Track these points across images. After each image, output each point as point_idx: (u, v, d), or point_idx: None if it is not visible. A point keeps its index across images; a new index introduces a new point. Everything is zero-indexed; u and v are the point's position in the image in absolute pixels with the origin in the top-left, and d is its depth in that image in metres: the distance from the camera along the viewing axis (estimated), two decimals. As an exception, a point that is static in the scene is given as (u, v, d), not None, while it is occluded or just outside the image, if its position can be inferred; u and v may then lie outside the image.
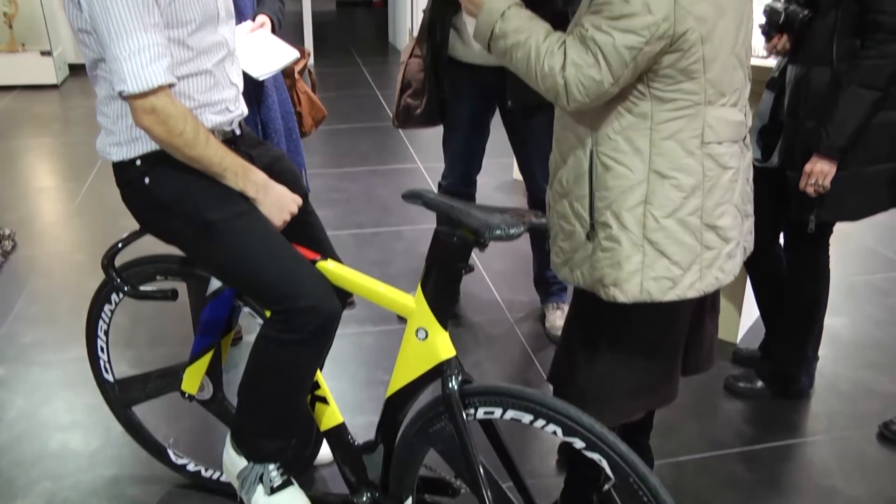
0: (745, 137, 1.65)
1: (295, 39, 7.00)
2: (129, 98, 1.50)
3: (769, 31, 2.22)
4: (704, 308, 1.78)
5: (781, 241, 2.46)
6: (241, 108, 1.79)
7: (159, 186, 1.64)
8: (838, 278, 3.23)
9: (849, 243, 3.72)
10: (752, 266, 2.50)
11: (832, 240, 2.38)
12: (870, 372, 2.71)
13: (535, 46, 1.53)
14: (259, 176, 1.67)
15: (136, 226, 1.78)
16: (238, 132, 1.79)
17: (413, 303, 1.59)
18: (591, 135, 1.59)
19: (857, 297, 3.25)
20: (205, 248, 1.66)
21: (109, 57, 1.48)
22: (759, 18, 2.28)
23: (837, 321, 3.03)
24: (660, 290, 1.58)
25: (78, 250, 3.59)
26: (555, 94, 1.53)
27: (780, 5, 2.16)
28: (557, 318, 2.90)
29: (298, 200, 1.73)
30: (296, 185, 1.84)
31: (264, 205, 1.66)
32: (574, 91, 1.50)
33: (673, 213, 1.55)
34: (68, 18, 1.56)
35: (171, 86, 1.53)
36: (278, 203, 1.68)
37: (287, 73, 2.54)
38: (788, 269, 2.41)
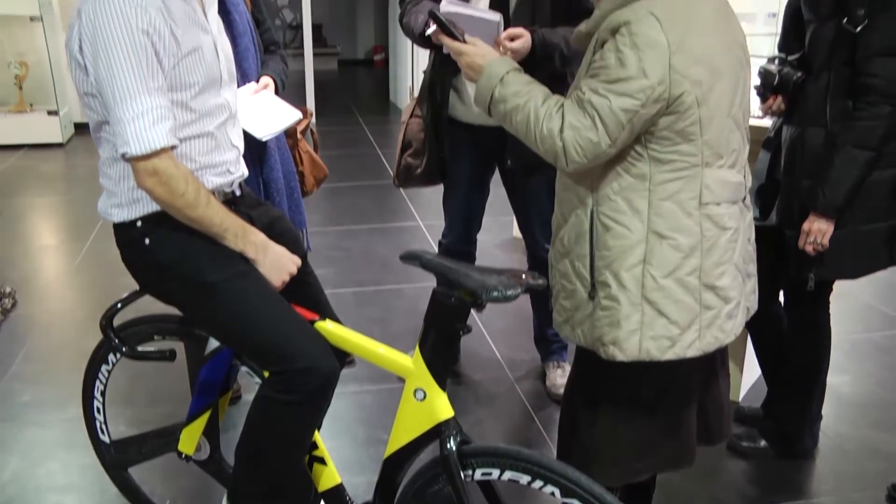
0: (744, 198, 1.66)
1: (297, 98, 7.13)
2: (131, 160, 1.52)
3: (764, 92, 2.26)
4: (715, 367, 1.78)
5: (781, 299, 2.46)
6: (242, 170, 1.81)
7: (159, 247, 1.65)
8: (839, 336, 3.22)
9: (849, 300, 3.71)
10: (753, 324, 2.48)
11: (832, 297, 2.38)
12: (875, 431, 2.68)
13: (534, 110, 1.56)
14: (258, 237, 1.68)
15: (135, 285, 1.78)
16: (238, 193, 1.81)
17: (411, 363, 1.58)
18: (591, 195, 1.61)
19: (859, 354, 3.23)
20: (204, 309, 1.66)
21: (114, 119, 1.51)
22: (755, 80, 2.32)
23: (840, 379, 3.01)
24: (658, 349, 1.58)
25: (78, 308, 3.59)
26: (553, 155, 1.55)
27: (774, 67, 2.20)
28: (558, 377, 2.88)
29: (297, 261, 1.74)
30: (295, 245, 1.85)
31: (263, 265, 1.67)
32: (572, 152, 1.52)
33: (671, 274, 1.56)
34: (74, 82, 1.60)
35: (173, 148, 1.55)
36: (277, 264, 1.69)
37: (290, 132, 2.58)
38: (789, 327, 2.41)
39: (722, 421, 1.83)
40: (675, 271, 1.56)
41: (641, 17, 1.46)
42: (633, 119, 1.48)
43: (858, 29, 1.94)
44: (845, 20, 1.97)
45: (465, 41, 1.73)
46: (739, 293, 1.66)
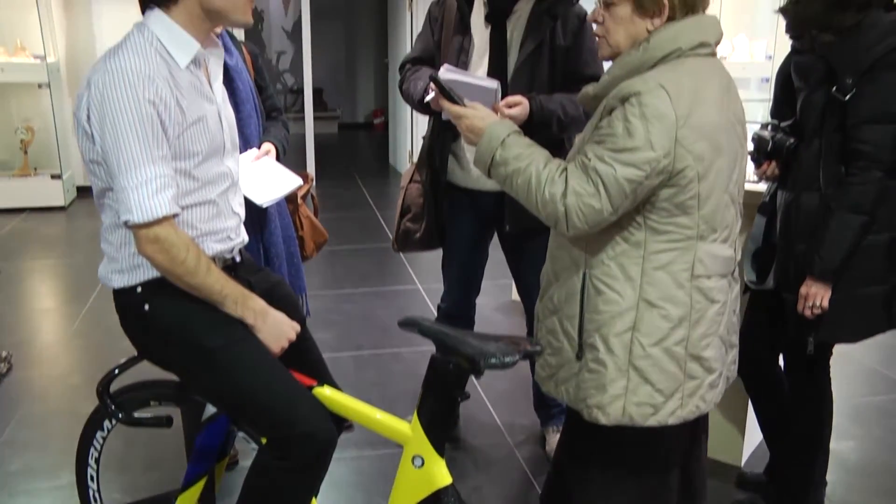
0: (733, 271, 1.68)
1: (298, 160, 7.22)
2: (133, 227, 1.54)
3: (758, 157, 2.29)
4: (697, 432, 1.78)
5: (781, 362, 2.45)
6: (243, 237, 1.83)
7: (159, 313, 1.66)
8: (842, 400, 3.19)
9: (851, 364, 3.69)
10: (754, 388, 2.48)
11: (833, 360, 2.37)
12: (881, 498, 2.63)
13: (536, 174, 1.58)
14: (258, 303, 1.68)
15: (133, 351, 1.78)
16: (238, 259, 1.82)
17: (409, 430, 1.57)
18: (586, 258, 1.62)
19: (863, 419, 3.20)
20: (202, 375, 1.66)
21: (118, 187, 1.53)
22: (748, 145, 2.36)
23: (844, 445, 2.97)
24: (641, 415, 1.59)
25: (74, 373, 3.56)
26: (555, 220, 1.57)
27: (767, 133, 2.24)
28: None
29: (297, 327, 1.74)
30: (294, 311, 1.85)
31: (262, 332, 1.67)
32: (574, 218, 1.53)
33: (659, 342, 1.57)
34: (81, 150, 1.62)
35: (175, 216, 1.57)
36: (276, 330, 1.69)
37: (290, 198, 2.61)
38: (790, 390, 2.39)
39: (704, 484, 1.83)
40: (663, 340, 1.57)
41: (652, 89, 1.49)
42: (637, 189, 1.50)
43: (847, 97, 1.99)
44: (834, 88, 2.01)
45: (464, 105, 1.75)
46: (722, 364, 1.69)
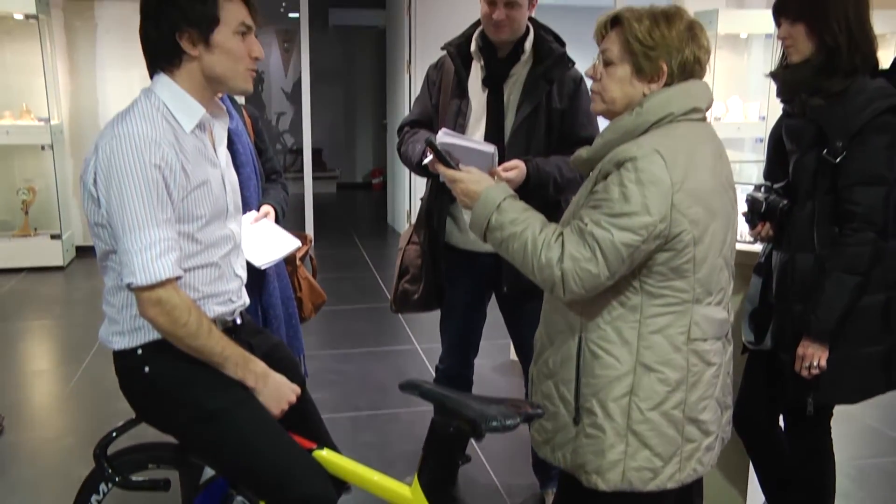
0: (727, 333, 1.69)
1: (297, 220, 7.26)
2: (136, 290, 1.55)
3: (752, 218, 2.31)
4: (691, 495, 1.77)
5: (782, 422, 2.43)
6: (244, 299, 1.84)
7: (159, 375, 1.66)
8: (845, 461, 3.16)
9: (853, 424, 3.66)
10: (754, 449, 2.45)
11: (834, 420, 2.36)
12: (887, 562, 2.59)
13: (532, 238, 1.58)
14: (259, 366, 1.69)
15: (129, 411, 1.77)
16: (239, 321, 1.82)
17: (409, 493, 1.56)
18: (581, 322, 1.62)
19: (867, 481, 3.16)
20: (201, 437, 1.65)
21: (122, 250, 1.55)
22: (743, 207, 2.39)
23: (848, 507, 2.93)
24: (641, 480, 1.58)
25: (68, 435, 3.52)
26: (551, 284, 1.57)
27: (761, 195, 2.27)
28: (559, 505, 2.80)
29: (297, 390, 1.74)
30: (294, 373, 1.86)
31: (263, 394, 1.67)
32: (571, 283, 1.54)
33: (658, 406, 1.57)
34: (86, 213, 1.65)
35: (178, 278, 1.58)
36: (277, 393, 1.69)
37: (289, 259, 2.62)
38: (791, 452, 2.37)
39: None
40: (662, 404, 1.57)
41: (647, 154, 1.51)
42: (634, 254, 1.51)
43: (838, 160, 2.02)
44: (825, 151, 2.05)
45: (459, 169, 1.77)
46: (718, 426, 1.69)
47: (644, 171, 1.50)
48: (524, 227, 1.61)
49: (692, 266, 1.55)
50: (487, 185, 1.70)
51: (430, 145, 1.84)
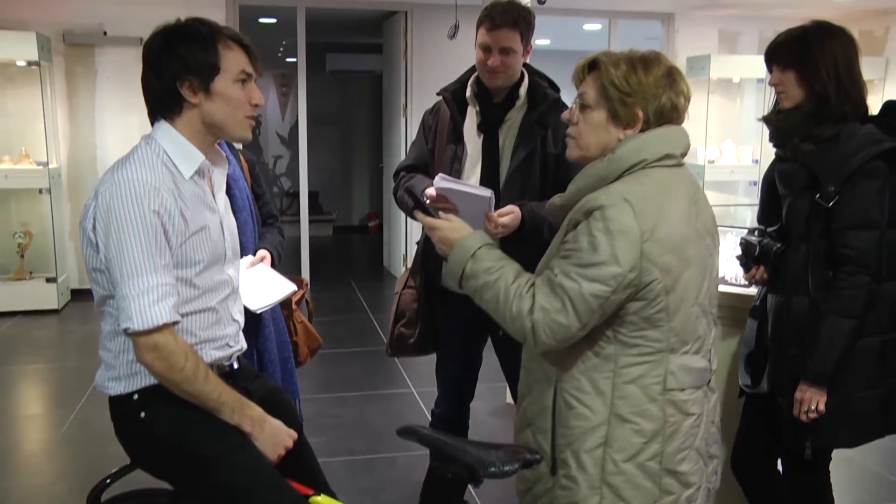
0: (709, 381, 1.66)
1: (293, 263, 7.25)
2: (133, 335, 1.55)
3: (747, 262, 2.33)
4: None
5: (780, 466, 2.41)
6: (241, 344, 1.84)
7: (155, 421, 1.65)
8: (845, 506, 3.13)
9: (853, 468, 3.63)
10: (753, 494, 2.43)
11: (834, 464, 2.34)
12: None
13: (505, 288, 1.56)
14: (255, 411, 1.68)
15: (122, 456, 1.75)
16: (236, 366, 1.82)
17: (406, 541, 1.53)
18: (556, 370, 1.60)
19: (867, 525, 3.12)
20: (198, 483, 1.64)
21: (119, 295, 1.55)
22: (737, 250, 2.40)
23: (850, 553, 2.89)
24: None
25: (59, 482, 3.47)
26: (523, 335, 1.55)
27: (754, 239, 2.29)
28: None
29: (294, 435, 1.73)
30: (291, 417, 1.85)
31: (260, 440, 1.66)
32: (541, 334, 1.52)
33: (633, 458, 1.54)
34: (84, 258, 1.66)
35: (175, 323, 1.58)
36: (273, 439, 1.68)
37: (284, 303, 2.62)
38: (790, 496, 2.35)
39: None
40: (637, 456, 1.54)
41: (616, 203, 1.50)
42: (604, 304, 1.49)
43: (830, 204, 2.04)
44: (818, 196, 2.07)
45: (438, 217, 1.75)
46: (700, 477, 1.64)
47: (612, 221, 1.48)
48: (498, 276, 1.59)
49: (665, 315, 1.53)
50: (464, 234, 1.68)
51: (409, 193, 1.84)
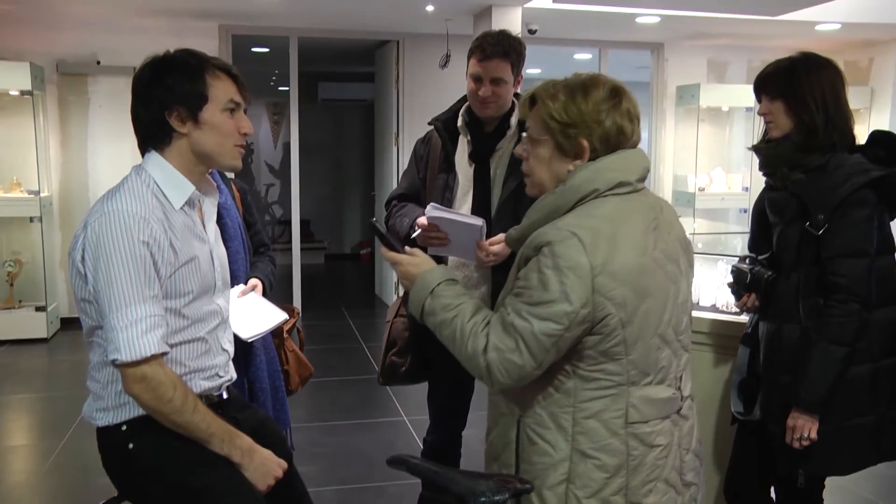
0: (679, 409, 1.62)
1: (284, 292, 7.23)
2: (121, 366, 1.54)
3: (738, 290, 2.33)
4: None
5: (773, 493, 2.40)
6: (231, 374, 1.83)
7: (144, 452, 1.63)
8: (840, 534, 3.11)
9: (846, 496, 3.61)
10: (748, 523, 2.42)
11: (828, 492, 2.33)
12: None
13: (461, 326, 1.53)
14: (244, 441, 1.67)
15: (110, 487, 1.73)
16: (225, 396, 1.81)
17: (397, 573, 1.51)
18: (519, 405, 1.57)
19: (863, 555, 3.10)
20: (185, 517, 1.62)
21: (107, 326, 1.54)
22: (728, 277, 2.41)
23: (845, 583, 2.86)
24: None
25: (46, 513, 3.42)
26: (479, 375, 1.53)
27: (745, 266, 2.29)
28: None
29: (284, 465, 1.72)
30: (281, 448, 1.83)
31: (249, 470, 1.65)
32: (497, 374, 1.49)
33: (596, 494, 1.51)
34: (73, 289, 1.65)
35: (163, 354, 1.57)
36: (263, 468, 1.67)
37: (276, 332, 2.61)
38: (785, 526, 2.34)
39: None
40: (600, 491, 1.51)
41: (564, 238, 1.46)
42: (559, 342, 1.46)
43: (820, 232, 2.05)
44: (807, 224, 2.08)
45: (403, 251, 1.72)
46: None
47: (561, 257, 1.44)
48: (455, 314, 1.56)
49: (623, 348, 1.49)
50: (425, 269, 1.65)
51: (372, 228, 1.82)
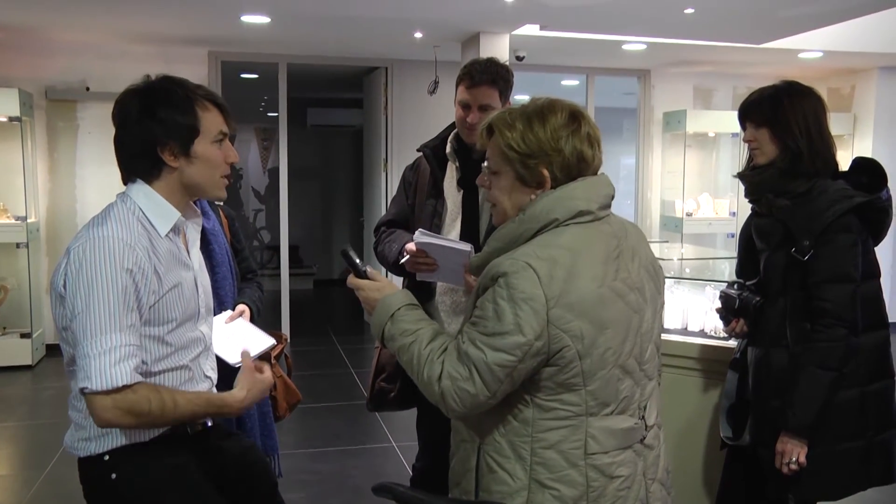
0: (642, 439, 1.59)
1: (273, 317, 7.20)
2: (90, 395, 1.52)
3: (727, 315, 2.34)
4: None
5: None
6: (215, 401, 1.81)
7: (127, 482, 1.61)
8: (831, 561, 3.08)
9: (836, 521, 3.60)
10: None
11: (819, 518, 2.32)
12: None
13: (418, 353, 1.52)
14: (234, 397, 1.71)
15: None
16: (209, 424, 1.79)
17: None
18: (478, 432, 1.56)
19: (854, 581, 3.08)
20: (168, 548, 1.59)
21: (80, 353, 1.52)
22: (717, 303, 2.42)
23: None
24: None
25: (28, 545, 3.36)
26: (434, 401, 1.51)
27: (734, 292, 2.30)
28: None
29: (270, 380, 1.81)
30: (265, 477, 1.83)
31: (247, 400, 1.72)
32: (450, 402, 1.48)
33: None
34: (54, 317, 1.63)
35: (137, 384, 1.55)
36: (258, 391, 1.75)
37: (264, 357, 2.59)
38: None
39: None
40: None
41: (519, 270, 1.44)
42: (513, 373, 1.44)
43: (806, 258, 2.07)
44: (793, 249, 2.10)
45: (367, 277, 1.71)
46: None
47: (515, 289, 1.42)
48: (412, 340, 1.54)
49: (581, 379, 1.47)
50: (387, 294, 1.64)
51: (343, 254, 1.82)
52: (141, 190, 1.66)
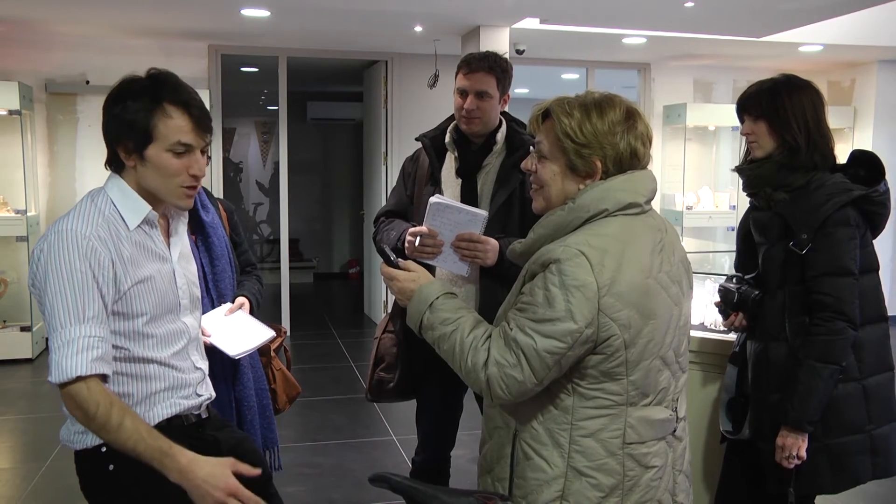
0: (674, 430, 1.61)
1: (273, 311, 7.20)
2: (56, 386, 1.53)
3: (725, 309, 2.34)
4: None
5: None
6: (210, 392, 1.82)
7: (124, 473, 1.61)
8: (829, 553, 3.09)
9: (835, 514, 3.60)
10: (738, 543, 2.41)
11: (819, 511, 2.33)
12: None
13: (460, 340, 1.52)
14: (180, 461, 1.54)
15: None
16: (205, 416, 1.79)
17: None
18: (515, 419, 1.56)
19: (852, 573, 3.09)
20: (167, 539, 1.59)
21: (49, 347, 1.53)
22: (716, 297, 2.41)
23: None
24: None
25: (28, 537, 3.37)
26: (479, 389, 1.51)
27: (733, 286, 2.30)
28: None
29: (231, 477, 1.58)
30: (258, 466, 1.80)
31: (189, 491, 1.54)
32: (496, 389, 1.47)
33: None
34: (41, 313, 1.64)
35: (102, 377, 1.54)
36: (206, 486, 1.53)
37: (263, 350, 2.59)
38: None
39: None
40: None
41: (572, 257, 1.44)
42: (561, 360, 1.45)
43: (804, 251, 2.07)
44: (792, 243, 2.09)
45: (399, 267, 1.70)
46: None
47: (568, 275, 1.43)
48: (454, 327, 1.54)
49: (625, 369, 1.48)
50: (423, 283, 1.63)
51: (377, 245, 1.82)
52: (116, 183, 1.67)
